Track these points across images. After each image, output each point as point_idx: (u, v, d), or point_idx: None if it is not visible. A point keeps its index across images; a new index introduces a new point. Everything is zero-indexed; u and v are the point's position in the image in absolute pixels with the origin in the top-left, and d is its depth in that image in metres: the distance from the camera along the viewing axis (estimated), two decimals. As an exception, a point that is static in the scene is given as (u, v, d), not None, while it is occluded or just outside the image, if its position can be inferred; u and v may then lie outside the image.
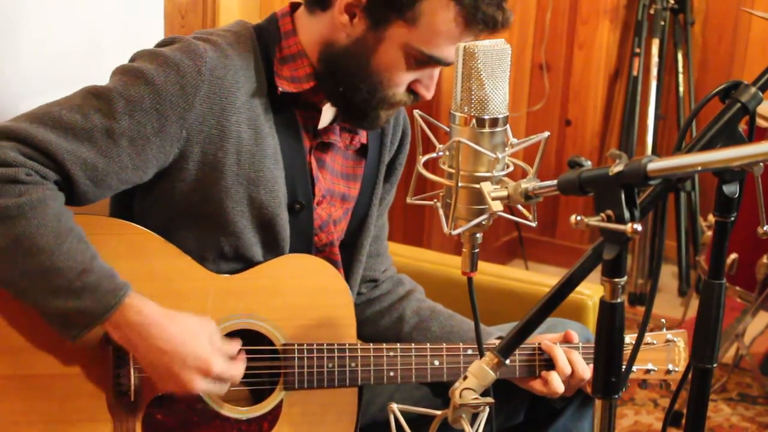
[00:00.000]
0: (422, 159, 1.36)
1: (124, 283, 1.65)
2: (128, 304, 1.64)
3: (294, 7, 1.85)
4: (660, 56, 4.19)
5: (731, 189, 1.28)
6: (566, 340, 1.90)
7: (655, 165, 1.08)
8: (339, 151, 1.91)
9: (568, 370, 1.84)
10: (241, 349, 1.77)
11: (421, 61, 1.73)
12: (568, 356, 1.85)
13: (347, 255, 1.97)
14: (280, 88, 1.77)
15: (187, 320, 1.70)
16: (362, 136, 1.93)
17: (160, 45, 1.77)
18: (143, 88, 1.66)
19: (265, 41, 1.80)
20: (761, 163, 1.23)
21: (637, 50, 4.21)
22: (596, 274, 1.20)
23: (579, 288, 2.16)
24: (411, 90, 1.78)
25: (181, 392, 1.70)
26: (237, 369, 1.73)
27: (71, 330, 1.64)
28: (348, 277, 1.97)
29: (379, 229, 2.08)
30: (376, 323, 2.07)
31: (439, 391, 1.98)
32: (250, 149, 1.75)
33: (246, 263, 1.81)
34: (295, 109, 1.81)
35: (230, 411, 1.79)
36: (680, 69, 4.22)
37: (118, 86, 1.68)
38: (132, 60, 1.75)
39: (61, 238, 1.62)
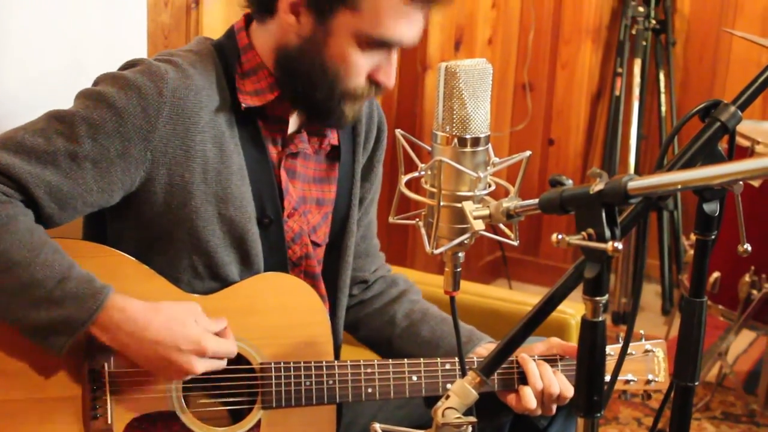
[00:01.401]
0: (404, 178, 1.37)
1: (104, 285, 1.65)
2: (111, 305, 1.65)
3: (248, 20, 1.86)
4: (642, 76, 4.22)
5: (711, 207, 1.29)
6: (550, 349, 1.89)
7: (635, 183, 1.09)
8: (310, 157, 1.91)
9: (539, 385, 1.83)
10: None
11: (373, 45, 1.73)
12: (540, 369, 1.84)
13: (333, 258, 1.97)
14: (244, 104, 1.78)
15: (171, 308, 1.71)
16: (332, 138, 1.93)
17: (122, 68, 1.77)
18: (105, 111, 1.67)
19: (225, 57, 1.81)
20: (740, 182, 1.24)
21: (620, 70, 4.24)
22: (579, 292, 1.20)
23: (562, 307, 2.16)
24: (372, 81, 1.77)
25: (184, 377, 1.71)
26: (229, 344, 1.74)
27: (57, 340, 1.64)
28: (336, 280, 1.97)
29: (365, 228, 2.08)
30: (368, 325, 2.08)
31: (423, 410, 1.98)
32: (216, 167, 1.75)
33: (221, 282, 1.82)
34: (260, 123, 1.82)
35: (209, 431, 1.79)
36: (662, 89, 4.25)
37: (80, 110, 1.68)
38: (95, 83, 1.75)
39: (35, 251, 1.62)
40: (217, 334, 1.74)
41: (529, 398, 1.83)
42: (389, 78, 1.77)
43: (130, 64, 1.77)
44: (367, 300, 2.10)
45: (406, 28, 1.71)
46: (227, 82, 1.79)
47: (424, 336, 2.00)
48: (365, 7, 1.69)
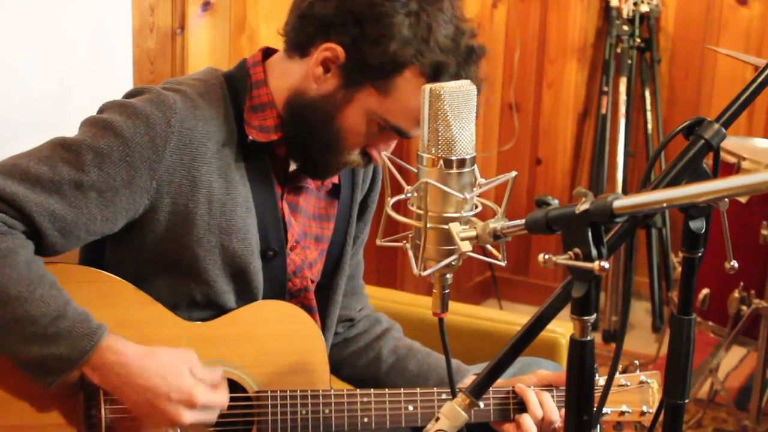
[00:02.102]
0: (391, 201, 1.37)
1: (99, 325, 1.64)
2: (105, 345, 1.63)
3: (265, 54, 1.85)
4: (628, 94, 4.23)
5: (697, 225, 1.29)
6: (559, 381, 1.90)
7: (621, 202, 1.09)
8: (311, 193, 1.91)
9: (539, 414, 1.83)
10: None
11: (384, 129, 1.75)
12: (539, 398, 1.85)
13: (323, 296, 1.97)
14: (250, 137, 1.77)
15: (166, 354, 1.69)
16: (334, 177, 1.93)
17: (129, 95, 1.76)
18: (112, 139, 1.66)
19: (235, 89, 1.80)
20: (726, 199, 1.25)
21: (605, 89, 4.26)
22: (569, 311, 1.20)
23: (551, 326, 2.17)
24: (365, 152, 1.79)
25: (171, 426, 1.69)
26: (222, 396, 1.72)
27: (48, 376, 1.63)
28: (325, 318, 1.96)
29: (354, 267, 2.08)
30: (353, 363, 2.06)
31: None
32: (221, 198, 1.74)
33: (218, 310, 1.81)
34: (266, 157, 1.81)
35: (204, 459, 1.78)
36: (648, 106, 4.26)
37: (86, 138, 1.67)
38: (100, 111, 1.74)
39: (32, 286, 1.61)
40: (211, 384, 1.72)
41: (529, 427, 1.83)
42: (381, 156, 1.77)
43: (137, 92, 1.75)
44: (351, 338, 2.10)
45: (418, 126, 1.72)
46: (235, 114, 1.78)
47: (411, 370, 1.99)
48: (393, 96, 1.71)
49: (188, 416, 1.67)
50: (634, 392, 1.92)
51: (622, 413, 1.91)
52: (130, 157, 1.66)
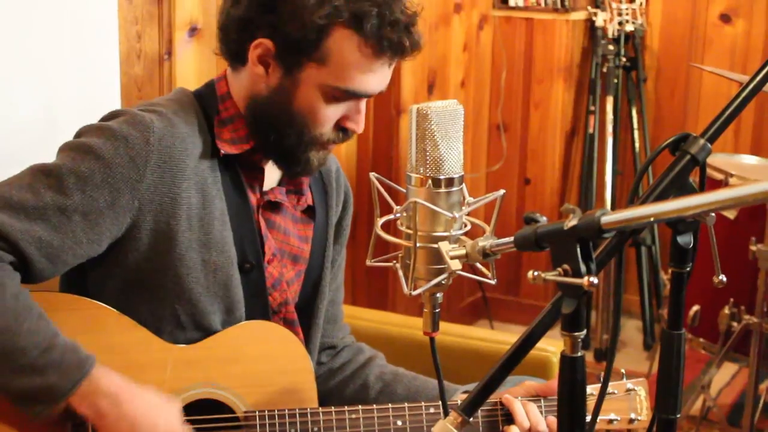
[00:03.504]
0: (380, 221, 1.37)
1: (89, 356, 1.64)
2: (96, 375, 1.63)
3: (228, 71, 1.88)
4: (615, 113, 4.26)
5: (685, 240, 1.29)
6: (547, 392, 1.90)
7: (609, 218, 1.09)
8: (288, 214, 1.92)
9: (526, 424, 1.84)
10: (202, 418, 1.76)
11: (340, 97, 1.75)
12: (526, 408, 1.85)
13: (304, 320, 1.97)
14: (222, 151, 1.79)
15: (154, 394, 1.69)
16: (308, 198, 1.95)
17: (105, 119, 1.77)
18: (93, 162, 1.67)
19: (205, 106, 1.83)
20: (713, 213, 1.25)
21: (592, 108, 4.28)
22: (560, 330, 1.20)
23: (542, 345, 2.18)
24: (341, 128, 1.80)
25: None
26: None
27: (36, 407, 1.62)
28: (307, 343, 1.96)
29: (334, 292, 2.08)
30: (340, 393, 2.06)
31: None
32: (199, 213, 1.76)
33: (203, 332, 1.81)
34: (240, 170, 1.83)
35: (195, 482, 1.77)
36: (635, 125, 4.29)
37: (67, 162, 1.68)
38: (78, 135, 1.75)
39: (20, 318, 1.61)
40: None
41: None
42: (358, 125, 1.80)
43: (112, 115, 1.77)
44: (336, 368, 2.10)
45: (372, 80, 1.74)
46: (208, 129, 1.80)
47: (400, 394, 2.00)
48: (331, 61, 1.72)
49: None
50: (621, 400, 1.92)
51: (611, 422, 1.91)
52: (112, 179, 1.67)
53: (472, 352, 2.33)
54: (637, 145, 4.28)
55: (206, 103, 1.83)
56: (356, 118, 1.79)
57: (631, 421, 1.92)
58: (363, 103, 1.79)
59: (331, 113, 1.77)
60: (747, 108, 1.35)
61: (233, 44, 1.80)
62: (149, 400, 1.68)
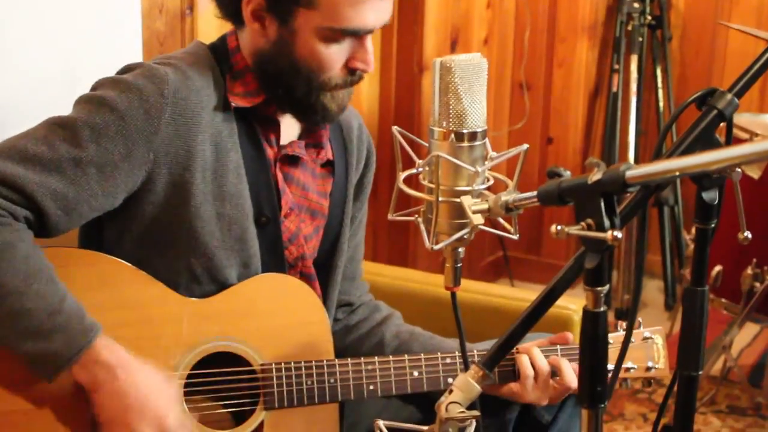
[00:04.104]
0: (402, 175, 1.36)
1: (94, 324, 1.65)
2: (99, 344, 1.64)
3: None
4: (639, 72, 4.21)
5: (710, 196, 1.28)
6: (560, 342, 1.91)
7: (634, 172, 1.08)
8: (308, 168, 1.92)
9: (530, 372, 1.85)
10: (218, 371, 1.77)
11: (338, 37, 1.73)
12: (530, 357, 1.86)
13: (322, 276, 1.97)
14: (233, 104, 1.78)
15: (153, 373, 1.69)
16: (328, 152, 1.94)
17: (120, 72, 1.77)
18: (108, 115, 1.67)
19: (220, 59, 1.83)
20: (739, 169, 1.24)
21: (616, 67, 4.23)
22: (581, 290, 1.19)
23: (564, 302, 2.18)
24: (350, 70, 1.78)
25: None
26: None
27: (42, 372, 1.63)
28: (324, 299, 1.96)
29: (353, 249, 2.08)
30: (356, 350, 2.06)
31: (426, 408, 1.98)
32: (213, 165, 1.76)
33: (218, 285, 1.81)
34: (255, 123, 1.83)
35: (213, 435, 1.79)
36: (659, 84, 4.24)
37: (81, 115, 1.68)
38: (93, 88, 1.75)
39: (29, 280, 1.61)
40: None
41: (528, 389, 1.85)
42: (367, 63, 1.77)
43: (127, 68, 1.77)
44: (353, 325, 2.10)
45: (367, 13, 1.71)
46: (223, 82, 1.80)
47: (415, 353, 1.99)
48: (321, 2, 1.70)
49: None
50: (638, 348, 1.92)
51: (628, 369, 1.91)
52: (127, 131, 1.67)
53: (492, 309, 2.33)
54: (661, 104, 4.25)
55: (220, 56, 1.83)
56: (363, 57, 1.77)
57: (648, 369, 1.92)
58: (367, 40, 1.76)
59: (334, 55, 1.75)
60: (774, 66, 1.34)
61: (229, 4, 1.80)
62: (145, 379, 1.67)
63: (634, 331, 1.93)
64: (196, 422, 1.76)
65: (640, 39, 4.21)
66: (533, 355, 1.86)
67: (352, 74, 1.79)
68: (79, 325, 1.63)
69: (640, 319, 1.95)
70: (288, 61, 1.76)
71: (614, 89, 4.25)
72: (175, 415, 1.69)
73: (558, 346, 1.90)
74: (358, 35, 1.74)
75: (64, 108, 1.74)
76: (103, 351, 1.64)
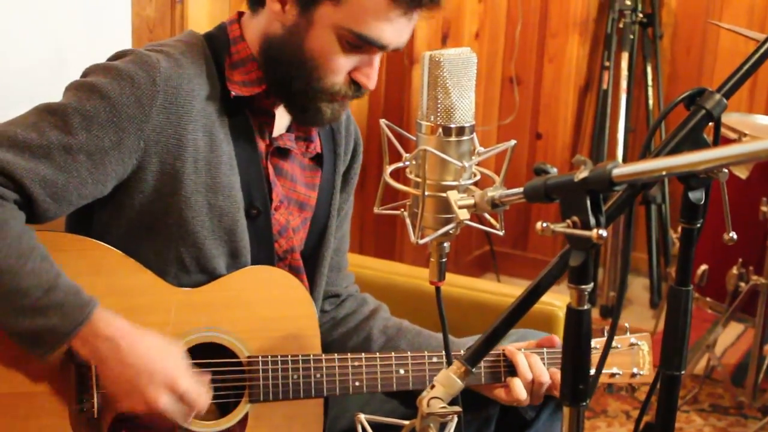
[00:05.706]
0: (389, 168, 1.36)
1: (91, 298, 1.64)
2: (97, 318, 1.63)
3: (241, 15, 1.86)
4: (629, 69, 4.22)
5: (697, 195, 1.28)
6: (547, 345, 1.90)
7: (620, 170, 1.08)
8: (296, 161, 1.91)
9: (529, 376, 1.84)
10: (204, 362, 1.77)
11: (354, 43, 1.71)
12: (529, 360, 1.85)
13: (309, 267, 1.96)
14: (233, 93, 1.77)
15: (155, 338, 1.69)
16: (317, 145, 1.93)
17: (112, 59, 1.76)
18: (98, 102, 1.66)
19: (215, 48, 1.81)
20: (725, 169, 1.24)
21: (607, 63, 4.24)
22: (566, 286, 1.19)
23: (549, 299, 2.18)
24: (353, 81, 1.76)
25: (145, 409, 1.67)
26: (203, 393, 1.71)
27: (39, 348, 1.63)
28: (311, 290, 1.96)
29: (339, 241, 2.07)
30: (343, 345, 2.06)
31: (409, 403, 1.98)
32: (206, 156, 1.74)
33: (208, 275, 1.80)
34: (249, 114, 1.82)
35: (196, 425, 1.77)
36: (650, 82, 4.25)
37: (72, 101, 1.67)
38: (84, 75, 1.74)
39: (23, 258, 1.60)
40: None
41: (519, 390, 1.84)
42: (369, 80, 1.75)
43: (119, 55, 1.75)
44: (340, 319, 2.09)
45: (388, 30, 1.69)
46: (217, 72, 1.78)
47: (402, 349, 1.99)
48: (350, 2, 1.68)
49: (165, 400, 1.66)
50: (624, 354, 1.93)
51: (613, 375, 1.92)
52: (117, 118, 1.66)
53: (478, 304, 2.33)
54: (650, 102, 4.25)
55: (217, 45, 1.81)
56: (368, 72, 1.75)
57: (633, 375, 1.93)
58: (376, 58, 1.75)
59: (342, 61, 1.73)
60: (763, 67, 1.34)
61: None
62: (149, 345, 1.67)
63: (621, 337, 1.94)
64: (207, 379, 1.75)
65: (632, 36, 4.21)
66: (532, 359, 1.85)
67: (357, 89, 1.77)
68: (76, 300, 1.62)
69: (626, 324, 1.96)
70: (297, 50, 1.73)
71: (604, 86, 4.25)
72: (186, 372, 1.69)
73: (544, 349, 1.90)
74: (370, 46, 1.71)
75: (54, 93, 1.73)
76: (101, 324, 1.63)
